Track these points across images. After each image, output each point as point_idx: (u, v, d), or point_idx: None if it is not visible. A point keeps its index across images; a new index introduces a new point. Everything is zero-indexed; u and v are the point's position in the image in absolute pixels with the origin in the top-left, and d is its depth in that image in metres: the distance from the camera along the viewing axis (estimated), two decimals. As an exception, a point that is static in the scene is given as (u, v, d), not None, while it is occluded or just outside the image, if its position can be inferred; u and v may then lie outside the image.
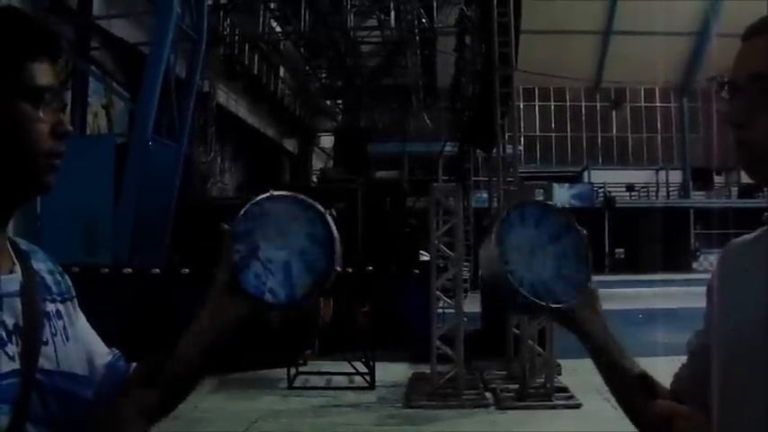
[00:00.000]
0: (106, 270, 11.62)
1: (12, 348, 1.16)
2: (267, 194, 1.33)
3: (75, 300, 1.37)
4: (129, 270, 11.90)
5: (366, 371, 10.60)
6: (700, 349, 1.39)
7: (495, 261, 1.43)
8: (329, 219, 1.33)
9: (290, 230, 1.31)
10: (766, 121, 1.23)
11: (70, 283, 1.38)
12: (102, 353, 1.39)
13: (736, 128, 1.27)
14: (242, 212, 1.32)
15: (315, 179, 29.51)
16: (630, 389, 1.39)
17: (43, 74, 1.22)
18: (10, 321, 1.18)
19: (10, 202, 1.24)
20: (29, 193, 1.26)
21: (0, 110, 1.18)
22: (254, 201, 1.33)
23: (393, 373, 11.15)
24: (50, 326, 1.26)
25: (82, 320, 1.38)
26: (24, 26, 1.23)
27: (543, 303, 1.42)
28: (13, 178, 1.20)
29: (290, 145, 31.70)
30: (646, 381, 1.36)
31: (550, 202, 1.49)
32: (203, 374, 1.37)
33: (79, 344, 1.33)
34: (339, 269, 1.32)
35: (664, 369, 1.50)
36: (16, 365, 1.16)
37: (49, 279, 1.32)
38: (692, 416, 1.27)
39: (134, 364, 1.41)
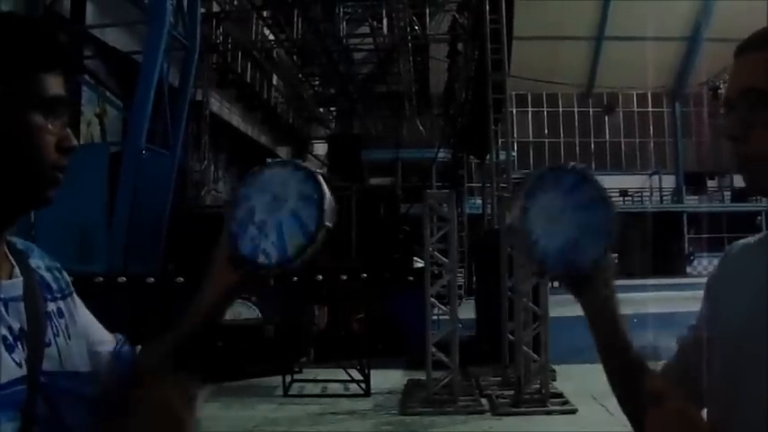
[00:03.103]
0: (100, 279, 11.60)
1: (19, 354, 1.16)
2: (263, 164, 1.38)
3: (74, 294, 1.37)
4: (124, 279, 11.88)
5: (361, 378, 10.59)
6: (691, 345, 1.40)
7: (518, 218, 1.43)
8: (319, 178, 1.36)
9: (283, 192, 1.35)
10: (761, 134, 1.26)
11: (68, 279, 1.38)
12: (106, 340, 1.39)
13: (734, 142, 1.29)
14: (244, 179, 1.37)
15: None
16: (626, 373, 1.39)
17: (55, 85, 1.22)
18: (15, 326, 1.18)
19: (11, 212, 1.24)
20: (29, 204, 1.26)
21: (11, 118, 1.18)
22: (251, 170, 1.38)
23: (388, 379, 11.15)
24: (52, 326, 1.26)
25: (82, 312, 1.38)
26: (41, 37, 1.23)
27: (552, 267, 1.42)
28: (17, 188, 1.20)
29: (283, 152, 31.66)
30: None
31: (588, 171, 1.45)
32: (206, 345, 1.40)
33: (81, 340, 1.33)
34: (330, 225, 1.34)
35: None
36: (24, 372, 1.16)
37: (47, 277, 1.32)
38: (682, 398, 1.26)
39: (138, 347, 1.43)
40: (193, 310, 1.37)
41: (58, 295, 1.32)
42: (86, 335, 1.35)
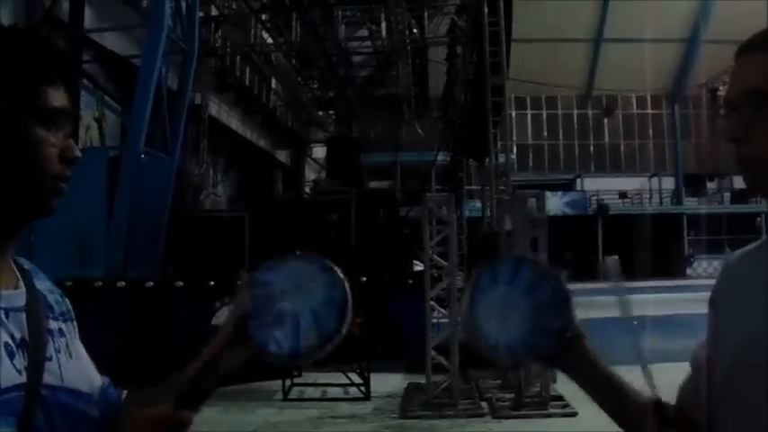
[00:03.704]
0: (100, 283, 11.59)
1: (19, 361, 1.17)
2: (294, 253, 1.39)
3: (75, 321, 1.38)
4: (123, 283, 11.87)
5: (361, 382, 10.58)
6: (703, 362, 1.38)
7: (470, 324, 1.42)
8: (346, 284, 1.37)
9: (307, 288, 1.36)
10: (763, 135, 1.24)
11: (69, 305, 1.39)
12: (96, 376, 1.39)
13: (735, 143, 1.28)
14: (266, 264, 1.38)
15: (308, 190, 29.52)
16: (635, 422, 1.37)
17: (57, 97, 1.23)
18: (17, 335, 1.19)
19: (15, 223, 1.25)
20: (32, 214, 1.27)
21: (13, 130, 1.19)
22: (280, 257, 1.39)
23: (388, 383, 11.14)
24: (54, 342, 1.26)
25: (79, 342, 1.38)
26: (43, 48, 1.24)
27: (520, 361, 1.44)
28: (20, 199, 1.21)
29: (282, 156, 31.69)
30: (660, 410, 1.32)
31: (522, 256, 1.47)
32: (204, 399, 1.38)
33: (81, 361, 1.34)
34: (345, 332, 1.36)
35: (666, 377, 1.47)
36: (23, 379, 1.16)
37: (50, 298, 1.33)
38: None
39: (125, 392, 1.42)
40: (192, 373, 1.35)
41: (60, 317, 1.33)
42: (85, 361, 1.35)
